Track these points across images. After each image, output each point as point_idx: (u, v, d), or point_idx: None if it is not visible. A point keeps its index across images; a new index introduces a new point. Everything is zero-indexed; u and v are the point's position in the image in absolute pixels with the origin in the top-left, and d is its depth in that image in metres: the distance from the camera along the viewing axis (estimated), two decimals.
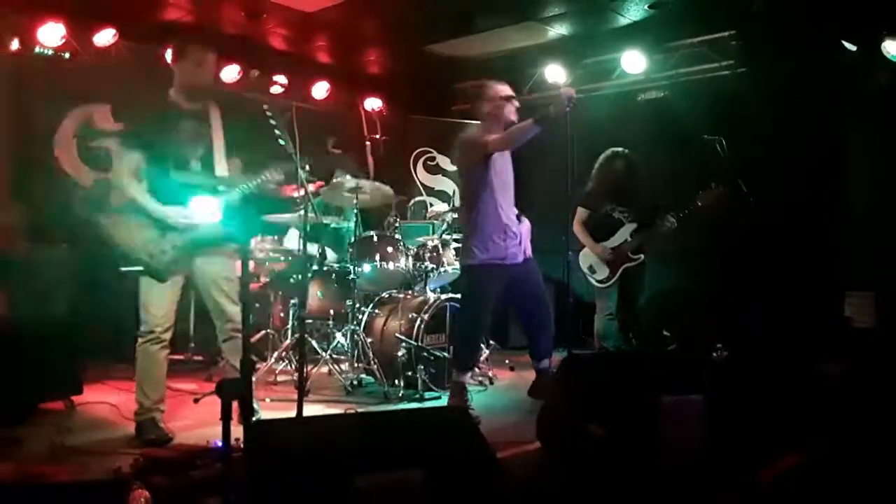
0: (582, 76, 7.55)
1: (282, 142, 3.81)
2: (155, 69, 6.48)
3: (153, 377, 4.00)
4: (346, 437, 2.56)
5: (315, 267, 5.65)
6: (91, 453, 3.66)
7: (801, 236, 6.07)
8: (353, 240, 5.69)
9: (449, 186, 8.47)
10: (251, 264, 5.87)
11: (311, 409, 4.44)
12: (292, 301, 5.69)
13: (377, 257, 5.50)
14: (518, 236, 4.76)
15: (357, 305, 5.45)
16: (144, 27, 6.66)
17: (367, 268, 5.46)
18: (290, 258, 5.91)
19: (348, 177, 6.16)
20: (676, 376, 3.66)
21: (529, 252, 4.89)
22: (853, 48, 5.82)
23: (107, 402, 4.63)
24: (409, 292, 5.65)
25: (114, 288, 5.94)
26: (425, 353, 5.10)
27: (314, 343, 5.49)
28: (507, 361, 6.29)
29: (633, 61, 7.00)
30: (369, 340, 5.33)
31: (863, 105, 6.03)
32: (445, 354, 5.19)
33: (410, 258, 5.64)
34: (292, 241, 6.20)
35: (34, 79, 6.21)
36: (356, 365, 5.35)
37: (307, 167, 4.12)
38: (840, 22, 5.79)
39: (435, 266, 5.66)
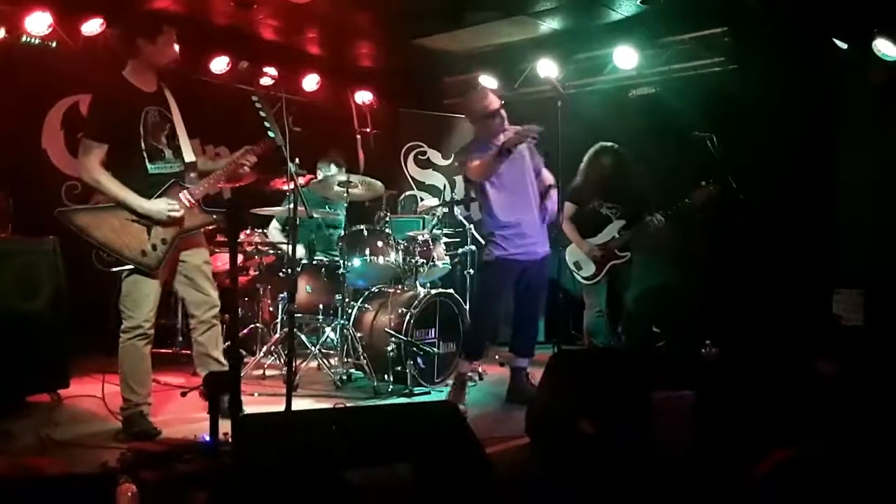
0: (573, 71, 7.53)
1: (271, 134, 3.78)
2: None
3: (139, 372, 3.96)
4: (335, 431, 2.54)
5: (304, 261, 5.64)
6: (78, 447, 3.64)
7: (791, 233, 6.08)
8: (342, 233, 5.67)
9: (439, 181, 8.45)
10: (239, 258, 5.85)
11: (299, 404, 4.42)
12: (281, 295, 5.67)
13: (367, 251, 5.48)
14: (535, 233, 4.82)
15: (346, 300, 5.42)
16: (132, 16, 6.59)
17: (356, 262, 5.45)
18: (279, 251, 5.89)
19: (333, 167, 6.15)
20: (667, 372, 3.67)
21: (546, 245, 4.94)
22: (844, 46, 5.82)
23: (94, 395, 4.58)
24: (399, 287, 5.63)
25: (101, 281, 5.94)
26: (415, 348, 5.09)
27: (303, 337, 5.47)
28: (496, 357, 6.29)
29: (625, 57, 6.98)
30: (359, 335, 5.31)
31: (853, 103, 6.04)
32: (435, 350, 5.19)
33: (400, 252, 5.62)
34: (272, 233, 6.18)
35: (21, 68, 6.14)
36: (345, 360, 5.33)
37: (297, 160, 4.11)
38: (831, 19, 5.80)
39: (425, 261, 5.64)
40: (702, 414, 3.52)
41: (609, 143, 5.87)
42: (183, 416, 4.33)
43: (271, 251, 5.94)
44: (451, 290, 5.56)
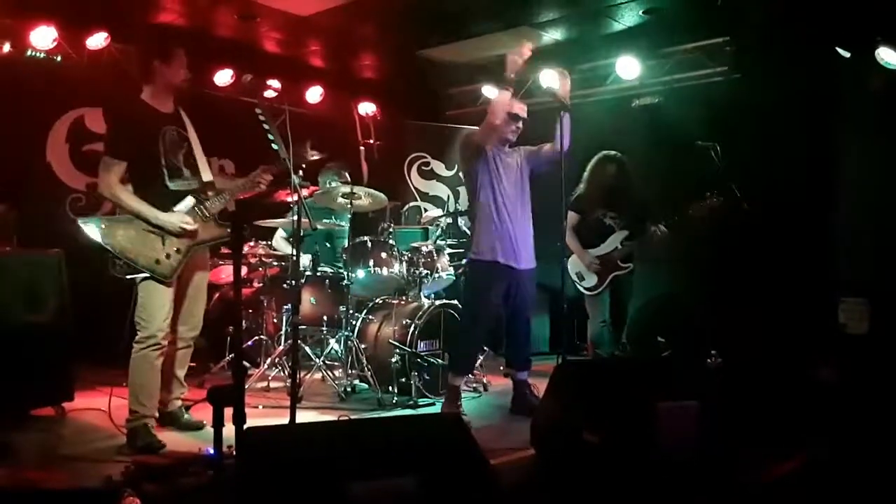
0: (576, 82, 7.51)
1: (274, 146, 3.82)
2: None
3: (150, 385, 3.99)
4: (340, 444, 2.54)
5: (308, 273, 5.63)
6: (82, 460, 3.63)
7: (795, 242, 6.07)
8: (346, 245, 5.67)
9: (443, 191, 8.47)
10: (243, 270, 5.85)
11: (304, 416, 4.41)
12: (285, 307, 5.66)
13: (371, 263, 5.47)
14: (523, 247, 4.79)
15: (351, 311, 5.42)
16: (136, 30, 6.64)
17: (360, 273, 5.44)
18: (283, 263, 5.89)
19: (335, 178, 6.13)
20: (671, 382, 3.65)
21: (532, 261, 4.90)
22: (847, 54, 5.83)
23: (98, 408, 4.59)
24: (403, 298, 5.62)
25: (106, 293, 5.94)
26: (419, 360, 5.08)
27: (307, 349, 5.46)
28: (501, 368, 6.26)
29: (628, 67, 7.00)
30: (363, 347, 5.30)
31: (857, 111, 6.04)
32: (440, 361, 5.17)
33: (404, 264, 5.62)
34: (278, 243, 6.18)
35: (26, 82, 6.17)
36: (350, 371, 5.32)
37: (300, 171, 4.14)
38: (834, 28, 5.80)
39: (429, 272, 5.64)
40: (706, 423, 3.51)
41: (612, 152, 5.85)
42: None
43: (275, 263, 5.95)
44: (455, 301, 5.54)
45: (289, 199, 5.78)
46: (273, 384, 5.47)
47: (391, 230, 5.99)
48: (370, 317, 5.49)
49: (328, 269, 5.76)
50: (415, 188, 8.56)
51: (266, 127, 3.81)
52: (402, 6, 6.30)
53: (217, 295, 6.02)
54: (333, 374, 5.45)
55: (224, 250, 5.88)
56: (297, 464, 2.38)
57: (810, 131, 6.07)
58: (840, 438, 3.85)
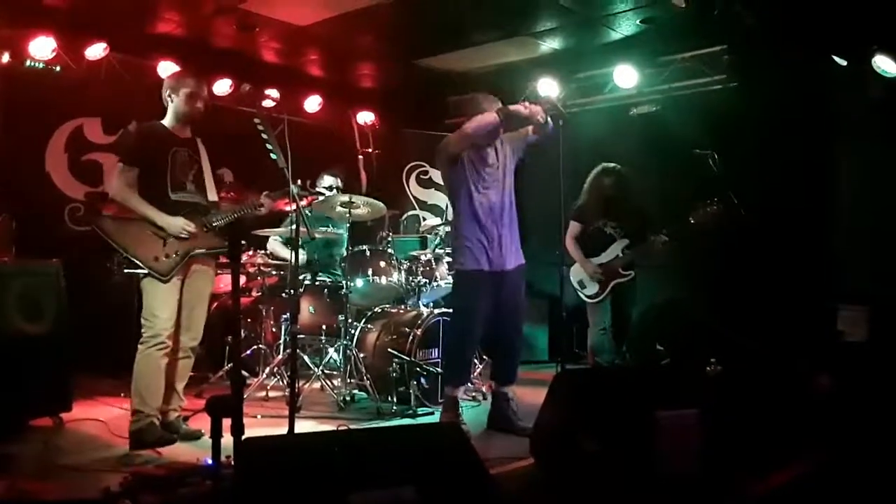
0: (574, 90, 7.56)
1: (273, 156, 3.85)
2: (146, 82, 6.51)
3: (154, 385, 4.03)
4: (339, 453, 2.53)
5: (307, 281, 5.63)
6: (80, 471, 3.61)
7: (794, 250, 6.07)
8: (345, 254, 5.67)
9: (442, 200, 8.46)
10: (242, 279, 5.85)
11: (303, 426, 4.40)
12: (284, 316, 5.66)
13: (370, 272, 5.47)
14: (507, 247, 4.60)
15: (349, 320, 5.41)
16: (135, 40, 6.65)
17: (359, 282, 5.44)
18: (281, 272, 5.89)
19: (328, 178, 6.12)
20: (671, 391, 3.65)
21: (520, 257, 4.71)
22: (844, 63, 5.84)
23: (96, 418, 4.59)
24: (402, 307, 5.62)
25: (104, 304, 5.94)
26: (418, 369, 5.07)
27: (306, 358, 5.46)
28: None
29: (626, 76, 7.02)
30: (362, 356, 5.30)
31: (854, 119, 6.05)
32: (438, 370, 5.16)
33: (403, 272, 5.61)
34: (274, 247, 6.18)
35: (25, 92, 6.19)
36: (349, 380, 5.31)
37: (299, 181, 4.18)
38: (831, 37, 5.82)
39: (428, 280, 5.64)
40: (706, 431, 3.50)
41: (611, 165, 5.90)
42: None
43: (274, 272, 5.94)
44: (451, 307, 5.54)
45: (287, 208, 5.78)
46: (272, 393, 5.46)
47: (390, 239, 5.99)
48: (369, 326, 5.48)
49: (327, 278, 5.76)
50: (413, 197, 8.57)
51: (265, 136, 3.87)
52: (400, 16, 6.32)
53: (215, 304, 6.00)
54: (332, 384, 5.44)
55: (223, 259, 5.88)
56: (295, 474, 2.37)
57: (807, 139, 6.08)
58: (839, 446, 3.84)
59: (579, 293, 5.91)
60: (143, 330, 4.06)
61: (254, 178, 5.23)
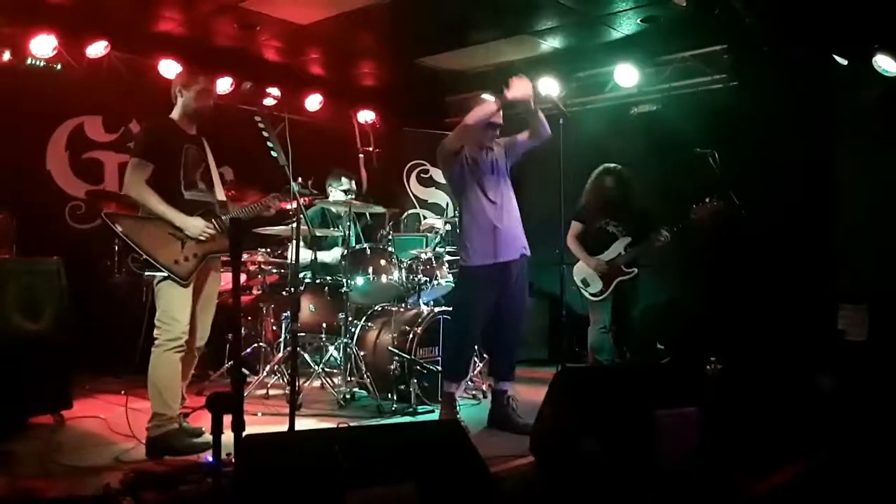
0: (575, 90, 7.57)
1: (274, 154, 3.85)
2: (147, 81, 6.52)
3: (174, 387, 4.02)
4: (339, 450, 2.53)
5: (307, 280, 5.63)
6: (80, 468, 3.61)
7: (794, 249, 6.08)
8: (346, 252, 5.67)
9: (442, 199, 8.47)
10: (242, 277, 5.85)
11: (303, 424, 4.40)
12: (284, 314, 5.66)
13: (370, 270, 5.48)
14: (511, 240, 4.64)
15: (350, 318, 5.42)
16: (136, 39, 6.66)
17: (359, 280, 5.44)
18: (282, 270, 5.89)
19: (345, 181, 6.11)
20: (671, 389, 3.65)
21: (526, 246, 4.74)
22: (844, 62, 5.85)
23: (97, 416, 4.59)
24: (402, 305, 5.62)
25: (105, 302, 5.94)
26: (418, 367, 5.07)
27: (306, 356, 5.46)
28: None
29: (626, 75, 7.02)
30: (362, 354, 5.30)
31: (854, 118, 6.06)
32: (438, 368, 5.17)
33: (403, 271, 5.62)
34: (322, 257, 6.15)
35: (26, 90, 6.19)
36: (349, 378, 5.31)
37: (300, 179, 4.17)
38: (831, 36, 5.82)
39: (428, 279, 5.64)
40: (706, 430, 3.51)
41: (612, 165, 5.92)
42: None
43: (274, 270, 5.95)
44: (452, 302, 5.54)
45: (288, 206, 5.78)
46: (272, 391, 5.46)
47: (390, 237, 5.99)
48: (369, 324, 5.49)
49: (327, 277, 5.76)
50: (414, 195, 8.58)
51: (265, 135, 3.86)
52: (401, 15, 6.32)
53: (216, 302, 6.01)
54: (332, 382, 5.44)
55: (223, 258, 5.88)
56: (296, 472, 2.38)
57: (808, 138, 6.09)
58: (840, 445, 3.84)
59: (582, 291, 5.91)
60: (159, 332, 3.98)
61: (254, 177, 5.23)
